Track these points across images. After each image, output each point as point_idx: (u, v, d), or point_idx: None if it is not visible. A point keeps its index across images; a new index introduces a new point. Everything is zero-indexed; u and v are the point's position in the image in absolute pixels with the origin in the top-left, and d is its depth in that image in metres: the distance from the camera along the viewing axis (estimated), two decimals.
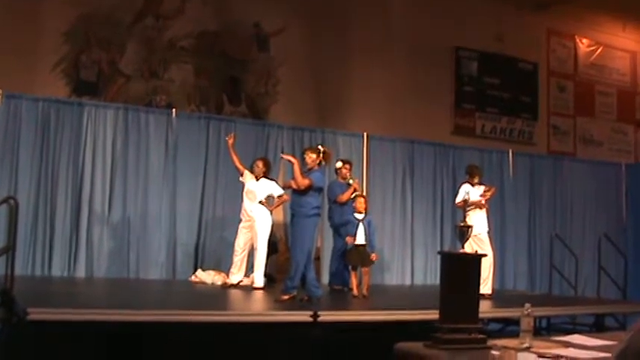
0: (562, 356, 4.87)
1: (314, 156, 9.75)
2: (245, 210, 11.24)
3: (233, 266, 11.25)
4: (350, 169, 11.97)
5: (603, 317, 11.41)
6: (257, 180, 11.28)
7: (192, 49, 13.97)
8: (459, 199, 11.34)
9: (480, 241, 11.07)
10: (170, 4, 13.81)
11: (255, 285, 10.96)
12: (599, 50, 18.89)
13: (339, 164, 11.87)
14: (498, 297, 11.33)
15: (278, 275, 12.81)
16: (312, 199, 9.47)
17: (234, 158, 11.35)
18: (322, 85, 14.86)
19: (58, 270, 11.63)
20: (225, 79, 14.24)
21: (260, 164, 11.39)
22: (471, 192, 11.32)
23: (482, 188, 11.45)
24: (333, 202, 11.64)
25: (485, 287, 10.69)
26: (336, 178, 11.91)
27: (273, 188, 11.29)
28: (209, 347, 8.26)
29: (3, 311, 8.15)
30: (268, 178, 11.36)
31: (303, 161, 9.91)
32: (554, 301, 11.95)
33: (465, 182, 11.50)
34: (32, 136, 11.70)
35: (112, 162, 12.22)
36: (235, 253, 11.23)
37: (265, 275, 11.59)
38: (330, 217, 11.86)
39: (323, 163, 9.85)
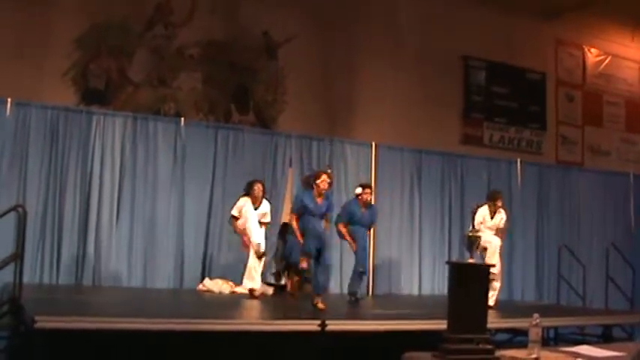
0: None
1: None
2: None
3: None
4: (371, 193, 11.96)
5: (611, 328, 11.37)
6: (258, 205, 11.24)
7: (201, 57, 13.97)
8: (476, 223, 10.82)
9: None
10: (179, 13, 13.82)
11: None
12: (607, 60, 18.83)
13: (359, 190, 11.80)
14: (505, 307, 11.30)
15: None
16: None
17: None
18: (331, 94, 14.85)
19: (65, 278, 11.65)
20: (233, 87, 14.23)
21: (261, 187, 11.35)
22: (487, 219, 11.21)
23: (502, 214, 11.35)
24: (348, 221, 11.62)
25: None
26: (357, 201, 11.73)
27: (267, 214, 11.39)
28: (217, 356, 8.26)
29: (11, 319, 8.18)
30: (267, 200, 11.50)
31: (310, 185, 10.08)
32: (562, 312, 11.91)
33: (484, 205, 11.35)
34: (41, 144, 11.74)
35: (120, 170, 12.25)
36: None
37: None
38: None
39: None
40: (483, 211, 11.19)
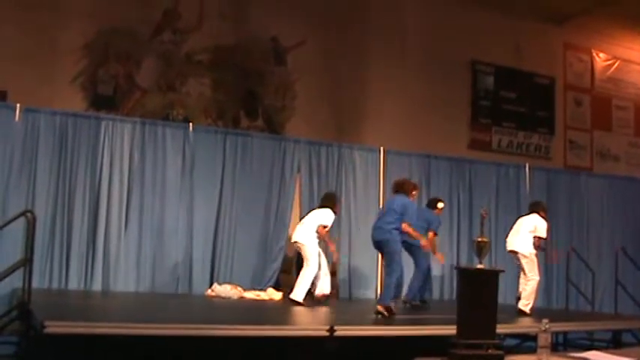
0: None
1: None
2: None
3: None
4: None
5: (621, 333, 11.32)
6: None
7: (210, 63, 14.01)
8: (544, 234, 11.21)
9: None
10: (188, 19, 13.87)
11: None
12: (616, 64, 18.83)
13: (441, 205, 12.56)
14: (514, 312, 11.27)
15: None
16: None
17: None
18: (339, 100, 14.87)
19: (74, 283, 11.65)
20: (242, 92, 14.27)
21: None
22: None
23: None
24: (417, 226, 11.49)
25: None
26: (433, 211, 12.42)
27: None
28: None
29: (20, 324, 8.20)
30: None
31: (407, 191, 10.29)
32: (571, 317, 11.87)
33: (538, 215, 11.44)
34: (50, 149, 11.75)
35: (129, 176, 12.24)
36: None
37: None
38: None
39: None
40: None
